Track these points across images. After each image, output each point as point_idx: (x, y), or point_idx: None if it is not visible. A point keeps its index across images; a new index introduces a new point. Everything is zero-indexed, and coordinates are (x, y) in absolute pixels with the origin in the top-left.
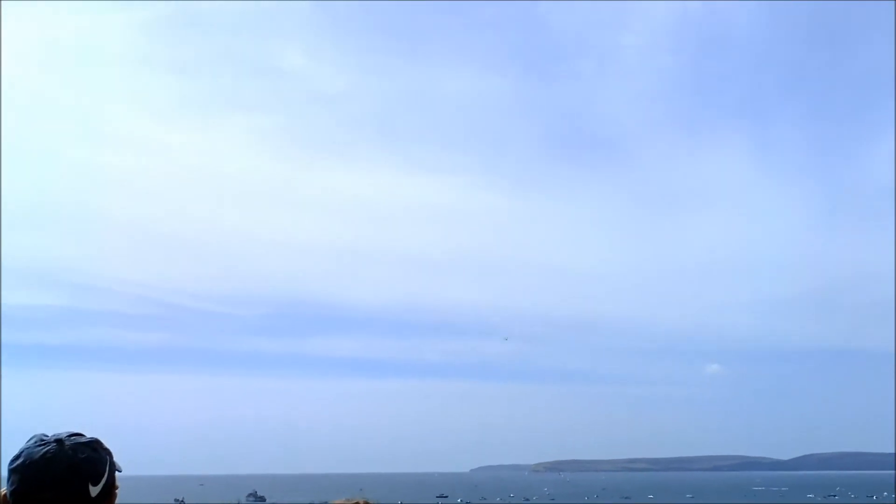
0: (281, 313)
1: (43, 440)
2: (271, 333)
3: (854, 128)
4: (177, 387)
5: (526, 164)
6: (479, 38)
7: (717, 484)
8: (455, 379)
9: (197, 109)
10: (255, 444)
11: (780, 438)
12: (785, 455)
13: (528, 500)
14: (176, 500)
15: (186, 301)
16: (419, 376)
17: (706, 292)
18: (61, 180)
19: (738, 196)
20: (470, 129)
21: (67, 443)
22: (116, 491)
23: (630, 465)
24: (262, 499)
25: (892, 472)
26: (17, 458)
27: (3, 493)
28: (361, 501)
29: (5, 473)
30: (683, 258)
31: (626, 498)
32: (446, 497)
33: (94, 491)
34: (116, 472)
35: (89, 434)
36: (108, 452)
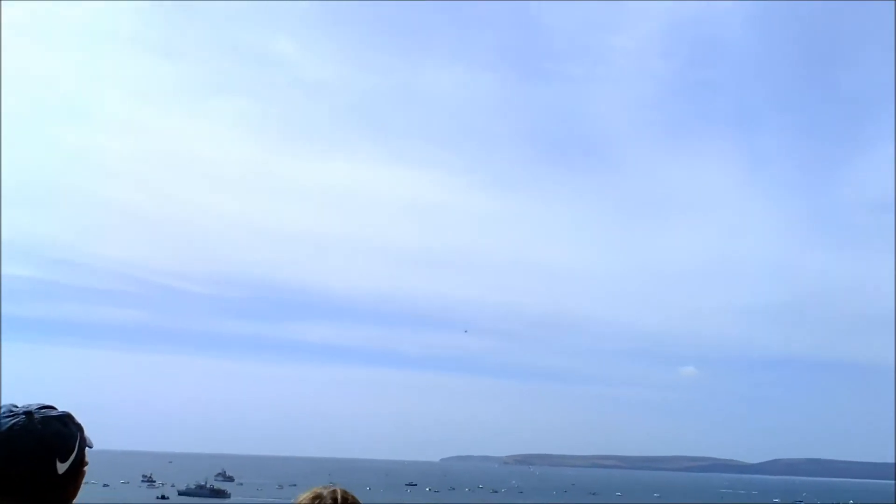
0: (260, 297)
1: (11, 411)
2: (249, 316)
3: (840, 144)
4: (152, 365)
5: (512, 164)
6: (471, 36)
7: (685, 484)
8: (429, 371)
9: (186, 94)
10: (226, 424)
11: (748, 442)
12: (753, 459)
13: (496, 491)
14: (144, 476)
15: (166, 280)
16: (394, 366)
17: (686, 297)
18: (49, 160)
19: (722, 204)
20: (457, 126)
21: (37, 416)
22: (85, 469)
23: (600, 462)
24: (231, 479)
25: (857, 480)
26: None
27: None
28: (336, 489)
29: None
30: (665, 262)
31: (593, 494)
32: (415, 485)
33: (62, 468)
34: (87, 449)
35: (62, 408)
36: (79, 428)
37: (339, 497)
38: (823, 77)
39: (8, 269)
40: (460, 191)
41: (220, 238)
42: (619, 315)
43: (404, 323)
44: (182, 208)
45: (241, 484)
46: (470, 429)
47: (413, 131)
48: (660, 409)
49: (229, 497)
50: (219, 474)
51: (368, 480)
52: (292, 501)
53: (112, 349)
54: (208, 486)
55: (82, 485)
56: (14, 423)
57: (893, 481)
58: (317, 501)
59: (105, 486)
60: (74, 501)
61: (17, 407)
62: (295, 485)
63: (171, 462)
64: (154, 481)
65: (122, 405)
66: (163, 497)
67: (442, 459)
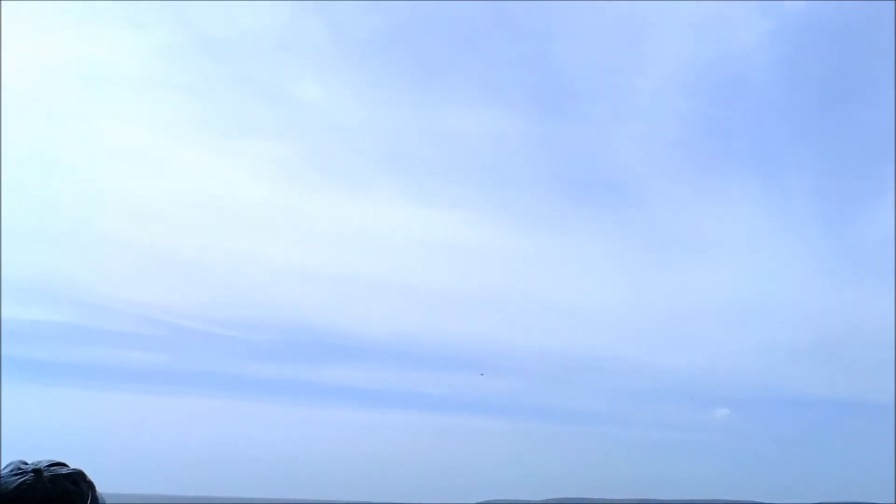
0: (287, 340)
1: (20, 469)
2: (276, 359)
3: (865, 181)
4: (180, 408)
5: (535, 203)
6: (493, 76)
7: None
8: (460, 413)
9: (210, 134)
10: (257, 468)
11: (788, 485)
12: (796, 500)
13: None
14: None
15: (192, 323)
16: (424, 408)
17: (715, 337)
18: (71, 199)
19: (750, 242)
20: (482, 167)
21: (47, 473)
22: None
23: None
24: None
25: None
26: None
27: None
28: None
29: None
30: (693, 302)
31: None
32: None
33: None
34: None
35: (94, 456)
36: (90, 486)
37: None
38: (846, 114)
39: (35, 314)
40: (486, 231)
41: (246, 280)
42: (649, 356)
43: (434, 365)
44: (207, 250)
45: None
46: (504, 472)
47: (438, 172)
48: (695, 452)
49: None
50: None
51: None
52: None
53: (138, 392)
54: None
55: None
56: (22, 482)
57: None
58: None
59: None
60: None
61: (26, 464)
62: None
63: None
64: None
65: (152, 449)
66: None
67: (478, 503)
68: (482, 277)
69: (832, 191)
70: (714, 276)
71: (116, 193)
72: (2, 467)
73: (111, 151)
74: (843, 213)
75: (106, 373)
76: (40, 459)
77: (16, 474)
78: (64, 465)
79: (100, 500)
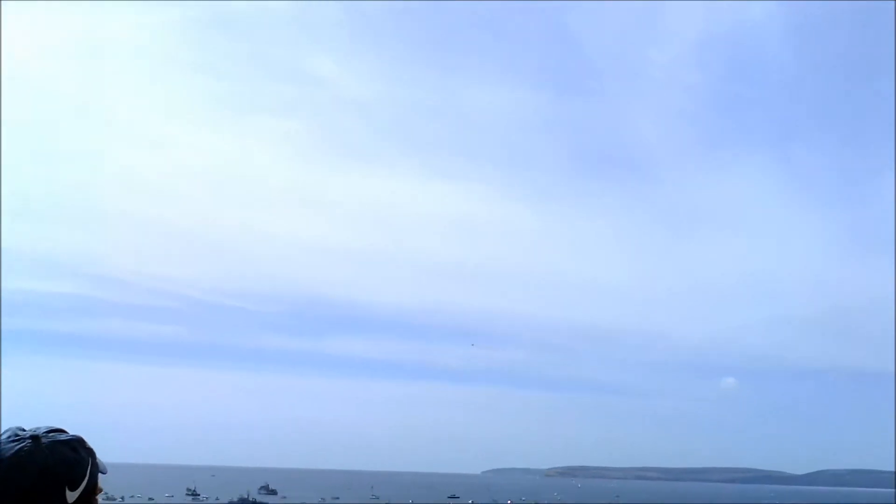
0: (298, 312)
1: (17, 435)
2: (288, 331)
3: (878, 156)
4: (192, 380)
5: (549, 178)
6: (508, 52)
7: (730, 496)
8: (469, 383)
9: (223, 110)
10: (268, 438)
11: (793, 453)
12: (798, 470)
13: (538, 503)
14: (188, 489)
15: (205, 296)
16: (434, 379)
17: (724, 309)
18: (85, 176)
19: (759, 217)
20: (495, 141)
21: (45, 440)
22: (98, 497)
23: (642, 474)
24: (274, 492)
25: None
26: None
27: None
28: None
29: None
30: (703, 275)
31: None
32: (458, 498)
33: (72, 496)
34: (100, 475)
35: (104, 426)
36: (90, 453)
37: None
38: (860, 87)
39: (49, 287)
40: (500, 206)
41: (259, 254)
42: (657, 327)
43: (444, 336)
44: (221, 225)
45: (285, 497)
46: (511, 441)
47: (453, 147)
48: (701, 421)
49: None
50: (262, 487)
51: (411, 493)
52: None
53: (153, 364)
54: (251, 499)
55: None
56: (20, 449)
57: None
58: None
59: (150, 499)
60: None
61: (23, 430)
62: (337, 498)
63: (213, 476)
64: (198, 495)
65: (164, 419)
66: None
67: (483, 472)
68: (496, 251)
69: (845, 165)
70: (724, 249)
71: (129, 170)
72: None
73: (124, 129)
74: (855, 188)
75: (119, 345)
76: (38, 426)
77: (13, 441)
78: (63, 431)
79: (100, 467)
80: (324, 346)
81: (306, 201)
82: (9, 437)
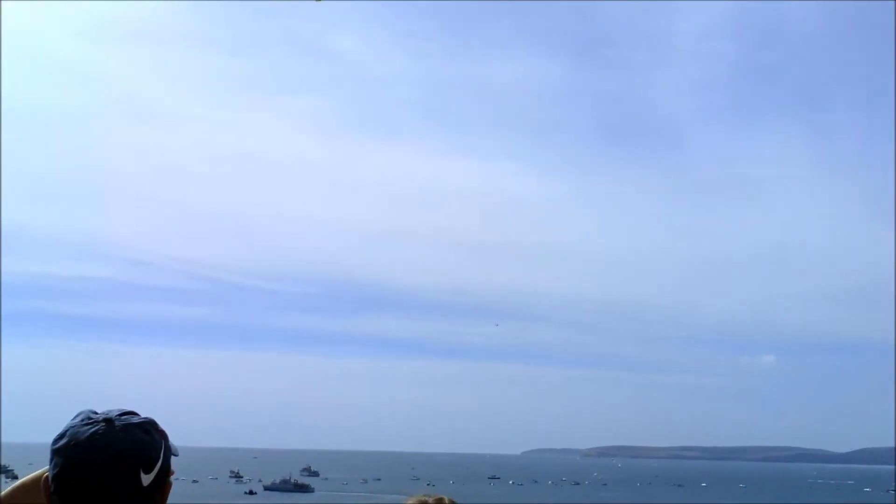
0: (328, 292)
1: (91, 418)
2: (320, 312)
3: None
4: (229, 362)
5: (575, 151)
6: (531, 23)
7: (771, 474)
8: (506, 362)
9: (251, 91)
10: (307, 419)
11: (835, 431)
12: (841, 448)
13: (578, 483)
14: (231, 471)
15: (236, 278)
16: (471, 358)
17: (761, 282)
18: (113, 158)
19: (792, 186)
20: (518, 115)
21: (118, 423)
22: (171, 480)
23: (683, 453)
24: (316, 473)
25: None
26: (61, 437)
27: (44, 475)
28: (443, 498)
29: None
30: (738, 247)
31: (679, 486)
32: (498, 478)
33: (147, 479)
34: (172, 457)
35: (143, 411)
36: (163, 435)
37: None
38: (890, 53)
39: (81, 271)
40: (527, 180)
41: (288, 234)
42: (693, 302)
43: (477, 314)
44: (249, 205)
45: (327, 479)
46: (550, 421)
47: (477, 121)
48: (741, 398)
49: (313, 492)
50: (304, 469)
51: (451, 474)
52: None
53: (187, 347)
54: (292, 480)
55: (173, 482)
56: (94, 432)
57: None
58: None
59: (194, 481)
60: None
61: (96, 413)
62: (379, 479)
63: (255, 458)
64: (241, 477)
65: (205, 402)
66: (251, 492)
67: (523, 452)
68: (524, 227)
69: (879, 131)
70: (758, 221)
71: (156, 151)
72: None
73: (149, 111)
74: (888, 155)
75: (153, 328)
76: (110, 409)
77: (87, 424)
78: (135, 413)
79: (172, 450)
80: (356, 326)
81: (333, 180)
82: (83, 420)
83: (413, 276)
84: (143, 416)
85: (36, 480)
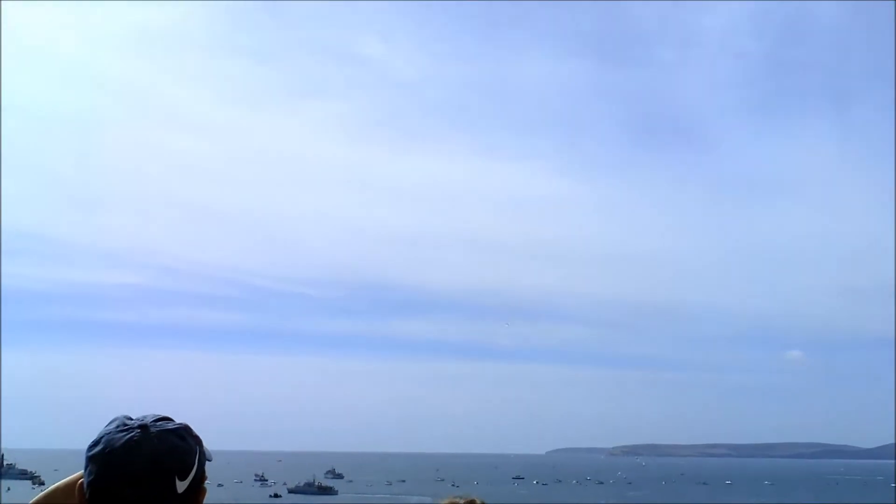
0: (359, 295)
1: (126, 425)
2: (349, 315)
3: None
4: (255, 366)
5: (603, 150)
6: (557, 23)
7: (798, 471)
8: (530, 362)
9: (277, 96)
10: (332, 422)
11: (861, 426)
12: (867, 443)
13: (603, 483)
14: (256, 475)
15: (263, 282)
16: (495, 359)
17: (787, 279)
18: (146, 165)
19: (819, 182)
20: (546, 115)
21: (153, 429)
22: (206, 486)
23: (709, 451)
24: (340, 476)
25: None
26: (96, 443)
27: (78, 482)
28: (474, 499)
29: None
30: (764, 244)
31: (704, 484)
32: (522, 478)
33: (182, 486)
34: (206, 462)
35: (172, 416)
36: (197, 440)
37: None
38: None
39: (111, 278)
40: (554, 181)
41: (317, 238)
42: (719, 299)
43: (502, 315)
44: (278, 210)
45: (351, 481)
46: (575, 420)
47: (504, 123)
48: (768, 395)
49: (337, 494)
50: (328, 472)
51: (476, 475)
52: None
53: (217, 351)
54: (316, 483)
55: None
56: (129, 438)
57: None
58: None
59: (220, 485)
60: None
61: (131, 419)
62: (403, 481)
63: (280, 461)
64: (266, 480)
65: (230, 406)
66: (275, 496)
67: (548, 452)
68: (550, 227)
69: None
70: (784, 216)
71: (186, 158)
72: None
73: (178, 117)
74: None
75: (183, 333)
76: (145, 415)
77: (122, 430)
78: (169, 419)
79: (206, 455)
80: (383, 329)
81: (360, 183)
82: (118, 426)
83: (440, 278)
84: (177, 421)
85: (69, 487)
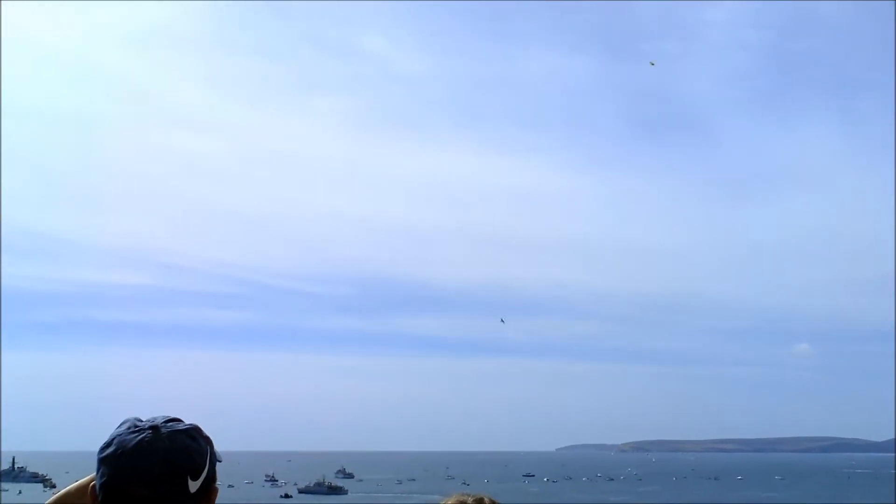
0: (365, 292)
1: (137, 426)
2: (355, 312)
3: None
4: (263, 365)
5: (609, 144)
6: (560, 18)
7: (809, 465)
8: (539, 358)
9: (279, 92)
10: (341, 421)
11: (872, 419)
12: (878, 437)
13: (613, 479)
14: (266, 475)
15: (271, 280)
16: (503, 355)
17: (794, 272)
18: (149, 163)
19: (825, 174)
20: (550, 110)
21: (164, 430)
22: (217, 485)
23: (719, 446)
24: (350, 475)
25: None
26: (107, 445)
27: (91, 484)
28: (483, 497)
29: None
30: (771, 237)
31: (714, 479)
32: (532, 475)
33: (194, 486)
34: (217, 463)
35: (180, 416)
36: (208, 441)
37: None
38: None
39: (118, 277)
40: (559, 176)
41: (323, 235)
42: (726, 293)
43: (511, 311)
44: (283, 207)
45: (361, 480)
46: (584, 417)
47: (508, 118)
48: (776, 389)
49: (347, 493)
50: (339, 471)
51: (485, 472)
52: None
53: (224, 350)
54: (326, 483)
55: None
56: (140, 440)
57: None
58: None
59: (230, 486)
60: None
61: (141, 421)
62: (413, 479)
63: (289, 461)
64: (276, 480)
65: (238, 406)
66: (286, 496)
67: (557, 449)
68: (557, 223)
69: None
70: (792, 210)
71: (189, 156)
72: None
73: (183, 115)
74: None
75: (190, 333)
76: (155, 416)
77: (133, 432)
78: (179, 420)
79: (217, 456)
80: (391, 326)
81: (365, 180)
82: (129, 428)
83: (446, 274)
84: (187, 422)
85: (82, 489)
